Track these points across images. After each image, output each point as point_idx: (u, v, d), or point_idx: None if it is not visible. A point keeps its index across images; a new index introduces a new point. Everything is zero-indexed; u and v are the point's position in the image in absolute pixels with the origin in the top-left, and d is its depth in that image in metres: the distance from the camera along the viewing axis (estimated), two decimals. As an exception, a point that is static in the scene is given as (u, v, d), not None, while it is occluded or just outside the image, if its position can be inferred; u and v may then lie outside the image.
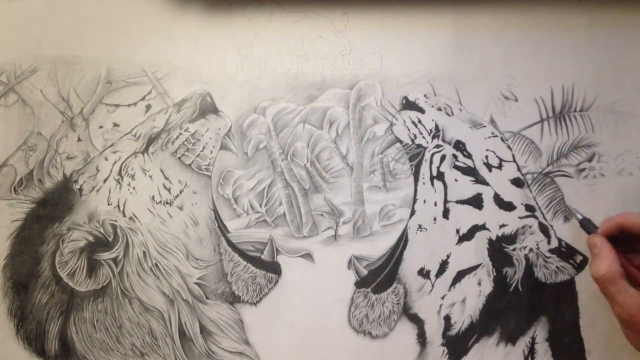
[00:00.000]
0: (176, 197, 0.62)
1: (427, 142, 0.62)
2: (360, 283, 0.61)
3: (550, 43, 0.62)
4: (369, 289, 0.61)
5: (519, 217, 0.61)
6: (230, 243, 0.62)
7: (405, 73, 0.63)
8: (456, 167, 0.62)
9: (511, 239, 0.61)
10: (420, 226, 0.61)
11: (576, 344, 0.60)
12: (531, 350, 0.60)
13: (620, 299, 0.52)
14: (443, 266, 0.61)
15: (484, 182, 0.61)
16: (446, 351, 0.60)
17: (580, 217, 0.58)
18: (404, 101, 0.63)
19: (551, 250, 0.61)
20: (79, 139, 0.63)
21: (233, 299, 0.61)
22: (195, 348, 0.61)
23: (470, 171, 0.62)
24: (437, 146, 0.62)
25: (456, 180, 0.62)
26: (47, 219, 0.62)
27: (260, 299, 0.61)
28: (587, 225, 0.57)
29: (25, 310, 0.62)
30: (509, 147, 0.62)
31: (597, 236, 0.55)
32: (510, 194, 0.61)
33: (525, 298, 0.60)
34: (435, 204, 0.61)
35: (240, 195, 0.62)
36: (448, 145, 0.62)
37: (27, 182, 0.63)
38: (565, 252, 0.60)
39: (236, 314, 0.61)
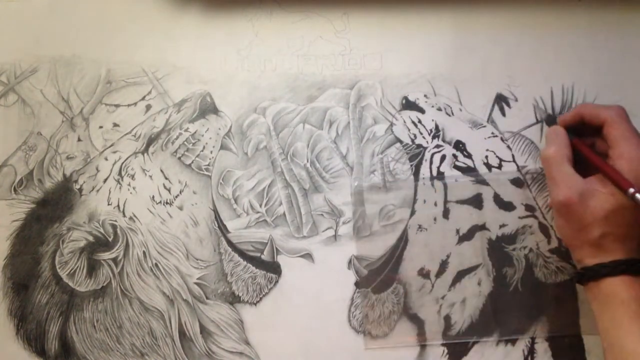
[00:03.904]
0: (176, 197, 0.62)
1: (427, 142, 0.62)
2: (360, 283, 0.61)
3: (550, 43, 0.62)
4: (369, 289, 0.61)
5: (519, 217, 0.61)
6: (230, 243, 0.62)
7: (405, 73, 0.63)
8: (456, 167, 0.62)
9: (511, 238, 0.61)
10: (420, 226, 0.61)
11: (576, 344, 0.60)
12: (531, 350, 0.60)
13: (562, 181, 0.50)
14: (443, 266, 0.61)
15: (484, 182, 0.61)
16: (446, 351, 0.60)
17: (545, 115, 0.58)
18: (404, 101, 0.63)
19: (551, 250, 0.61)
20: (79, 139, 0.63)
21: (233, 299, 0.61)
22: (195, 348, 0.61)
23: (470, 171, 0.62)
24: (437, 146, 0.62)
25: (456, 180, 0.62)
26: (47, 219, 0.62)
27: (260, 299, 0.61)
28: (550, 122, 0.58)
29: (25, 310, 0.62)
30: (508, 147, 0.62)
31: (555, 126, 0.55)
32: (510, 194, 0.61)
33: (525, 298, 0.60)
34: (435, 204, 0.61)
35: (240, 195, 0.62)
36: (448, 145, 0.62)
37: (27, 182, 0.63)
38: (565, 252, 0.60)
39: (236, 314, 0.61)
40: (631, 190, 0.48)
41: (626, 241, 0.50)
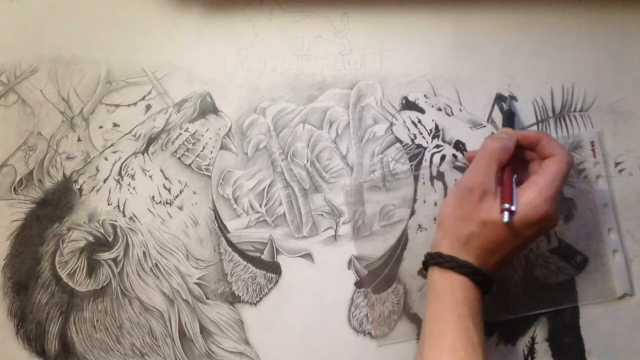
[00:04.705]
0: (176, 197, 0.62)
1: (427, 142, 0.62)
2: (360, 283, 0.61)
3: (550, 43, 0.62)
4: (369, 289, 0.61)
5: (519, 217, 0.61)
6: (230, 243, 0.62)
7: (405, 73, 0.63)
8: (456, 167, 0.62)
9: (511, 239, 0.61)
10: (420, 226, 0.61)
11: (576, 344, 0.60)
12: (531, 350, 0.60)
13: (481, 172, 0.52)
14: (443, 266, 0.61)
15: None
16: (446, 351, 0.60)
17: (506, 107, 0.60)
18: (404, 101, 0.63)
19: (551, 250, 0.61)
20: (79, 139, 0.64)
21: (233, 299, 0.61)
22: (195, 348, 0.61)
23: (470, 171, 0.62)
24: (437, 146, 0.62)
25: (456, 180, 0.62)
26: (47, 219, 0.62)
27: (260, 299, 0.61)
28: (509, 117, 0.59)
29: (25, 310, 0.62)
30: (509, 147, 0.62)
31: (513, 131, 0.56)
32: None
33: (525, 298, 0.60)
34: (435, 204, 0.61)
35: (240, 195, 0.62)
36: (448, 145, 0.62)
37: (27, 182, 0.63)
38: (565, 252, 0.60)
39: (236, 314, 0.61)
40: (505, 205, 0.50)
41: (485, 254, 0.51)
